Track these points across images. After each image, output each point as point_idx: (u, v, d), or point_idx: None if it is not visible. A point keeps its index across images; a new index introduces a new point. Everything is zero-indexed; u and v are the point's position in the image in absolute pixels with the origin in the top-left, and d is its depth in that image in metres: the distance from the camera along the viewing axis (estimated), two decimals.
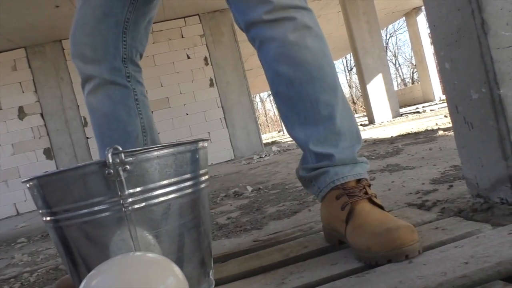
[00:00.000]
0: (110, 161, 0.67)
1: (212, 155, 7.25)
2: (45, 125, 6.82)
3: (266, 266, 0.90)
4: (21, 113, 6.78)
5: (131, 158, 0.69)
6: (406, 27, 11.80)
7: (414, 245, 0.71)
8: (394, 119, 7.82)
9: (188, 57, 7.21)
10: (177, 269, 0.67)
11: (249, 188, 3.21)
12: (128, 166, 0.68)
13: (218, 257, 1.07)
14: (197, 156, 0.79)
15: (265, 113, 26.80)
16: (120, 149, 0.68)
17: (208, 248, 0.84)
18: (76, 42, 1.10)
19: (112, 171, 0.67)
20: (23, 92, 6.78)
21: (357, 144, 0.94)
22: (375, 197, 0.86)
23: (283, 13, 0.90)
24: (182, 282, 0.66)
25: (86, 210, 0.70)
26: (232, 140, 7.36)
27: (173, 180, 0.73)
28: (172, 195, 0.74)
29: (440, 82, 10.57)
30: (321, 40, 0.94)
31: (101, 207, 0.69)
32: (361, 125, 8.28)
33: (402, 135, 4.52)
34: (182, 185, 0.75)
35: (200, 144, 0.80)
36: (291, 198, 2.51)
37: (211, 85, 7.26)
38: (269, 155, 6.41)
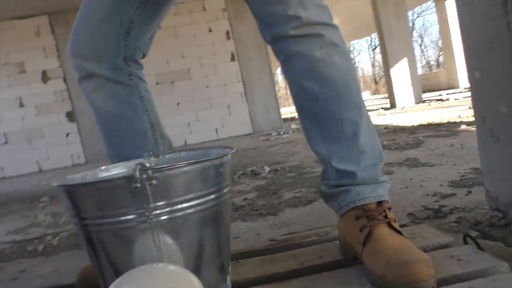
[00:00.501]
0: (138, 176, 0.69)
1: (231, 128, 7.30)
2: (67, 89, 6.92)
3: (281, 274, 0.93)
4: (44, 77, 6.88)
5: (157, 174, 0.71)
6: (435, 9, 11.39)
7: (429, 281, 0.72)
8: (416, 105, 7.68)
9: (210, 31, 7.15)
10: (196, 281, 0.70)
11: (267, 169, 3.23)
12: (154, 181, 0.71)
13: (234, 254, 1.10)
14: (222, 170, 0.81)
15: (286, 86, 26.58)
16: (147, 165, 0.70)
17: (227, 255, 0.87)
18: (77, 39, 1.08)
19: (139, 185, 0.70)
20: (46, 57, 6.86)
21: (379, 163, 0.94)
22: (395, 221, 0.87)
23: (311, 30, 0.90)
24: None
25: (113, 219, 0.73)
26: (252, 115, 7.37)
27: (197, 194, 0.76)
28: (196, 208, 0.76)
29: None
30: (347, 58, 0.94)
31: (128, 217, 0.72)
32: (382, 108, 8.17)
33: (424, 125, 4.45)
34: (206, 198, 0.78)
35: (225, 158, 0.81)
36: (308, 184, 2.52)
37: (232, 59, 7.22)
38: (287, 132, 6.40)
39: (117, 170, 0.97)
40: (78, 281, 1.00)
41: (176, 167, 0.73)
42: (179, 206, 0.74)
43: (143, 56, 1.17)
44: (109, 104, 1.11)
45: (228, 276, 0.89)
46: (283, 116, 8.42)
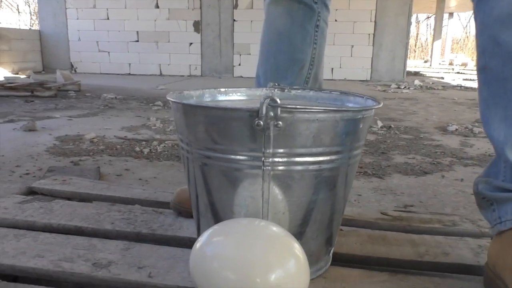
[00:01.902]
0: (264, 112, 0.56)
1: (348, 71, 6.91)
2: None
3: (394, 262, 0.78)
4: None
5: (286, 115, 0.57)
6: None
7: None
8: None
9: None
10: (300, 251, 0.58)
11: (379, 123, 2.99)
12: (281, 123, 0.57)
13: None
14: (360, 126, 0.64)
15: (417, 36, 24.36)
16: (279, 101, 0.56)
17: (337, 227, 0.73)
18: None
19: (262, 123, 0.57)
20: None
21: None
22: None
23: None
24: (303, 267, 0.58)
25: (222, 155, 0.62)
26: (374, 61, 6.86)
27: (325, 149, 0.61)
28: (319, 166, 0.62)
29: None
30: None
31: (240, 157, 0.61)
32: None
33: None
34: (334, 157, 0.63)
35: (368, 113, 0.65)
36: (424, 152, 2.27)
37: None
38: (408, 88, 5.89)
39: (237, 96, 0.85)
40: (172, 203, 0.96)
41: (310, 111, 0.58)
42: (300, 159, 0.61)
43: None
44: (281, 21, 1.02)
45: (332, 249, 0.76)
46: (407, 69, 7.74)
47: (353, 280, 0.70)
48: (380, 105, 0.67)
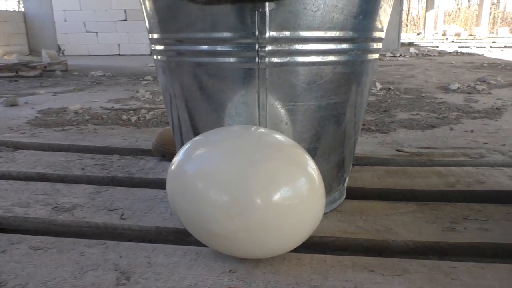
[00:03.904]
0: None
1: None
2: None
3: (420, 192, 0.64)
4: None
5: None
6: None
7: None
8: None
9: None
10: (314, 167, 0.44)
11: (378, 85, 2.85)
12: None
13: None
14: (381, 7, 0.50)
15: (408, 10, 24.03)
16: None
17: (353, 147, 0.59)
18: None
19: None
20: None
21: None
22: None
23: None
24: (317, 187, 0.43)
25: (205, 47, 0.47)
26: None
27: (337, 34, 0.47)
28: (330, 58, 0.48)
29: None
30: None
31: (227, 48, 0.46)
32: None
33: None
34: (347, 46, 0.48)
35: None
36: (428, 109, 2.14)
37: None
38: (404, 56, 5.74)
39: None
40: (154, 145, 0.81)
41: None
42: (307, 47, 0.46)
43: None
44: None
45: (347, 178, 0.62)
46: (401, 41, 7.57)
47: (375, 213, 0.57)
48: None
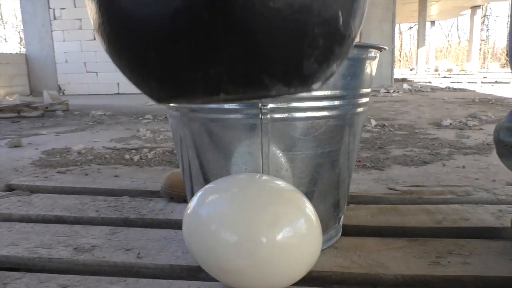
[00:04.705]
0: None
1: None
2: None
3: (410, 229, 0.70)
4: None
5: None
6: None
7: None
8: None
9: None
10: (311, 209, 0.51)
11: (373, 122, 2.94)
12: None
13: None
14: (366, 69, 0.58)
15: (401, 47, 24.67)
16: None
17: (347, 189, 0.66)
18: None
19: None
20: None
21: None
22: None
23: None
24: (314, 227, 0.50)
25: (215, 105, 0.54)
26: None
27: (329, 93, 0.54)
28: (323, 113, 0.55)
29: None
30: None
31: (234, 106, 0.53)
32: None
33: None
34: (338, 102, 0.56)
35: (372, 54, 0.58)
36: (421, 145, 2.22)
37: None
38: (397, 92, 5.89)
39: None
40: (163, 187, 0.87)
41: None
42: (301, 105, 0.54)
43: None
44: None
45: (342, 217, 0.68)
46: (394, 77, 7.77)
47: (368, 249, 0.63)
48: (386, 48, 0.60)
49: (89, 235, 0.70)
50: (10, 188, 1.01)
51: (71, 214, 0.80)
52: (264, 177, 0.51)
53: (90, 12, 0.25)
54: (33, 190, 0.99)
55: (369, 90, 0.62)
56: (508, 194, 0.87)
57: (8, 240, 0.68)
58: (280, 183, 0.51)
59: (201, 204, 0.50)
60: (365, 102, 0.62)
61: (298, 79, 0.25)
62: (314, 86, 0.26)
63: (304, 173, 0.57)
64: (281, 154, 0.55)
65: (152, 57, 0.23)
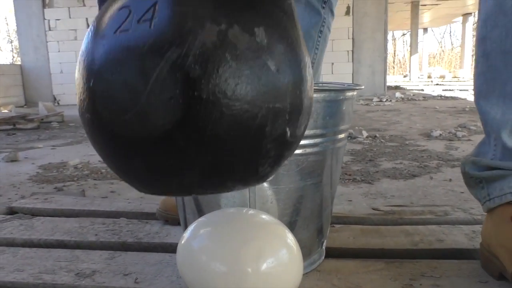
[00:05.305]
0: None
1: None
2: None
3: (389, 252, 0.76)
4: None
5: None
6: None
7: None
8: None
9: None
10: (292, 239, 0.56)
11: (364, 133, 3.01)
12: None
13: None
14: (344, 108, 0.63)
15: (394, 53, 24.91)
16: None
17: (328, 217, 0.71)
18: None
19: None
20: None
21: None
22: None
23: None
24: (295, 256, 0.55)
25: None
26: (355, 77, 6.96)
27: (310, 132, 0.60)
28: (304, 150, 0.61)
29: None
30: None
31: None
32: None
33: None
34: (318, 140, 0.61)
35: (348, 94, 0.64)
36: (411, 157, 2.28)
37: (347, 13, 6.76)
38: (390, 100, 5.98)
39: None
40: (158, 211, 0.93)
41: None
42: None
43: None
44: None
45: (325, 241, 0.74)
46: (387, 84, 7.87)
47: (348, 272, 0.68)
48: (362, 87, 0.66)
49: (89, 260, 0.75)
50: (11, 211, 1.06)
51: (71, 239, 0.85)
52: (251, 211, 0.57)
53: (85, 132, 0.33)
54: (34, 213, 1.04)
55: (348, 125, 0.67)
56: (483, 214, 0.93)
57: (13, 266, 0.73)
58: (265, 217, 0.56)
59: (194, 236, 0.55)
60: (344, 138, 0.67)
61: (254, 179, 0.33)
62: (268, 179, 0.33)
63: (288, 204, 0.62)
64: (266, 188, 0.60)
65: (135, 170, 0.30)
